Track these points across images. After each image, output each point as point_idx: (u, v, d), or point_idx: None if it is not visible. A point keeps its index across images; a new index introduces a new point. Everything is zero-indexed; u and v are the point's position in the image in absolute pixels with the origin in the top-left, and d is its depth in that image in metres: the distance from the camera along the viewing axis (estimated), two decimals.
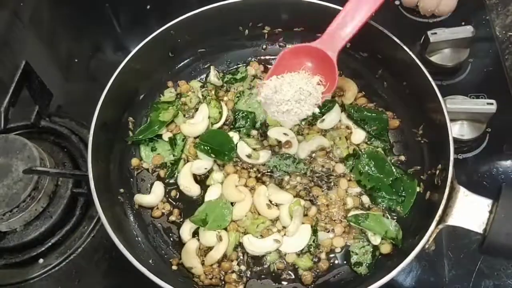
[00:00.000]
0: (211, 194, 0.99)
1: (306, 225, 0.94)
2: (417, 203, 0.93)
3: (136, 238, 0.96)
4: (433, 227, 0.79)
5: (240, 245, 0.95)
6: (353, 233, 0.95)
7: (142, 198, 1.00)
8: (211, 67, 1.15)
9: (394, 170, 0.97)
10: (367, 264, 0.90)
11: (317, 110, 0.94)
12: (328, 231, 0.95)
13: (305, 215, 0.96)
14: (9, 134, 1.01)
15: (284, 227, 0.95)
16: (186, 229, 0.96)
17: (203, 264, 0.93)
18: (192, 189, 1.00)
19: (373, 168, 0.98)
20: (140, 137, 1.05)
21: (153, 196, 1.00)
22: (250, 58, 1.18)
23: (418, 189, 0.95)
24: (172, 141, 1.05)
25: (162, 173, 1.04)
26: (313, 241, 0.93)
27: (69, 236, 1.02)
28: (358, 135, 1.04)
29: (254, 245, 0.92)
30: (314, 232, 0.94)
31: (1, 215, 0.93)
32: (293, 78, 0.94)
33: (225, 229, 0.95)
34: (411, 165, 1.00)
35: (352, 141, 1.04)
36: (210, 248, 0.94)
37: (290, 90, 0.91)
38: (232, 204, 0.97)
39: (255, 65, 1.16)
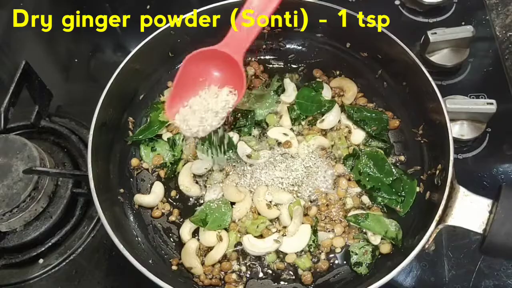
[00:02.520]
0: (211, 194, 0.99)
1: (306, 225, 0.94)
2: (417, 203, 0.93)
3: (136, 238, 0.96)
4: (433, 227, 0.79)
5: (240, 245, 0.95)
6: (353, 233, 0.95)
7: (142, 198, 1.00)
8: None
9: (393, 170, 0.97)
10: (367, 264, 0.90)
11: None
12: (328, 231, 0.95)
13: (305, 215, 0.96)
14: (9, 134, 1.01)
15: (284, 227, 0.95)
16: (186, 229, 0.96)
17: (203, 264, 0.93)
18: (192, 189, 1.00)
19: (372, 168, 0.98)
20: (140, 137, 1.05)
21: (153, 196, 1.00)
22: (250, 58, 1.18)
23: (418, 189, 0.95)
24: (171, 142, 1.05)
25: (162, 173, 1.04)
26: (313, 241, 0.93)
27: (69, 236, 1.02)
28: (358, 135, 1.04)
29: (254, 245, 0.92)
30: (314, 232, 0.94)
31: (1, 215, 0.93)
32: (195, 101, 0.87)
33: (225, 229, 0.95)
34: (411, 165, 1.00)
35: (352, 141, 1.04)
36: (210, 248, 0.94)
37: (195, 120, 0.86)
38: (232, 204, 0.97)
39: (255, 65, 1.16)
